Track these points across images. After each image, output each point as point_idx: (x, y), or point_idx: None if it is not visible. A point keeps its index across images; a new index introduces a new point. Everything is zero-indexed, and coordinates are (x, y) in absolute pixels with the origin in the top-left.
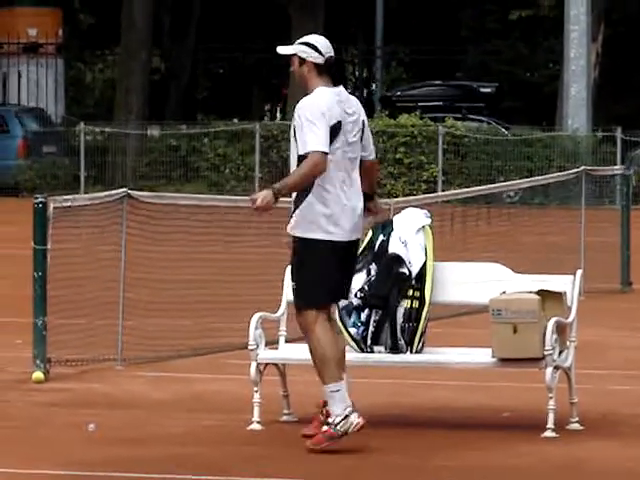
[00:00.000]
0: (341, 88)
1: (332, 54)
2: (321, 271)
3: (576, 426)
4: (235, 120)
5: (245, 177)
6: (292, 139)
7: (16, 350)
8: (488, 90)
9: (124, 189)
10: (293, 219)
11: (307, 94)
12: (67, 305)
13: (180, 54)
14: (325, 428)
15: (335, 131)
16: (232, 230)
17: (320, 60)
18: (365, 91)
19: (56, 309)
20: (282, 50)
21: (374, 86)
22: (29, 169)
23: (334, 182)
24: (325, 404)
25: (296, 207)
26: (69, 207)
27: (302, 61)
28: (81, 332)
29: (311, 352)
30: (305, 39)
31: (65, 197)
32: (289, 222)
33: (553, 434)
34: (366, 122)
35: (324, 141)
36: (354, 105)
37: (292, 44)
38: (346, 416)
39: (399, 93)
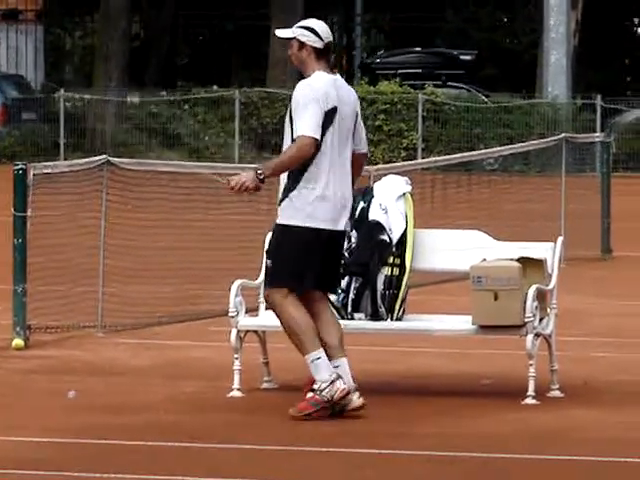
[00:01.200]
0: (338, 76)
1: (331, 39)
2: (302, 258)
3: (557, 393)
4: (215, 87)
5: (225, 144)
6: (286, 123)
7: None
8: (468, 57)
9: (104, 156)
10: (281, 207)
11: (304, 77)
12: (47, 272)
13: (159, 20)
14: (310, 395)
15: (330, 116)
16: (212, 197)
17: (319, 44)
18: (345, 58)
19: (36, 276)
20: (281, 33)
21: (354, 53)
22: (9, 136)
23: (325, 169)
24: (308, 387)
25: (284, 195)
26: (49, 174)
27: (301, 45)
28: (61, 299)
29: (284, 327)
30: (304, 23)
31: (45, 164)
32: (278, 210)
33: (534, 401)
34: (359, 113)
35: (314, 126)
36: (350, 94)
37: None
38: (332, 382)
39: (379, 60)
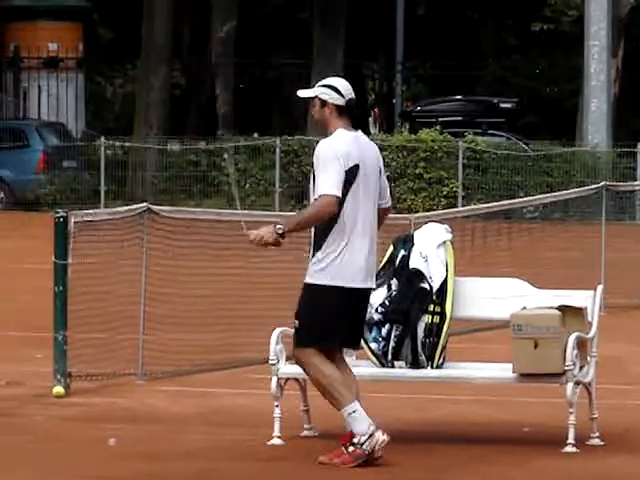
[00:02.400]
0: (360, 132)
1: (353, 96)
2: (328, 318)
3: (596, 441)
4: (256, 135)
5: (265, 192)
6: (310, 180)
7: (37, 364)
8: (508, 105)
9: (145, 203)
10: (310, 266)
11: (327, 135)
12: (88, 319)
13: (200, 68)
14: (351, 449)
15: (352, 174)
16: (252, 245)
17: (341, 102)
18: (386, 106)
19: (77, 323)
20: (303, 93)
21: (394, 101)
22: (49, 183)
23: (350, 227)
24: (346, 440)
25: (312, 254)
26: (90, 221)
27: (323, 103)
28: (102, 346)
29: (316, 386)
30: (325, 81)
31: (86, 212)
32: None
33: (573, 449)
34: (382, 169)
35: (336, 185)
36: (373, 150)
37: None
38: (371, 435)
39: (419, 108)
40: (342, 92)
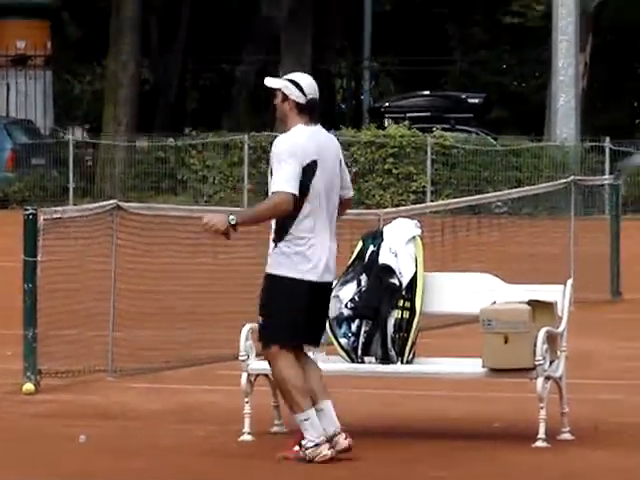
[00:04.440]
0: (319, 126)
1: (316, 96)
2: (289, 311)
3: (567, 436)
4: (225, 131)
5: (234, 188)
6: (269, 177)
7: (6, 362)
8: (476, 100)
9: (114, 200)
10: (270, 257)
11: (285, 131)
12: (57, 316)
13: (168, 65)
14: (296, 448)
15: (311, 170)
16: (221, 241)
17: (302, 100)
18: (354, 102)
19: (46, 320)
20: (269, 82)
21: (362, 97)
22: (18, 181)
23: (311, 221)
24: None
25: (273, 245)
26: (59, 218)
27: (285, 98)
28: (72, 343)
29: (276, 382)
30: (292, 76)
31: (55, 209)
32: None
33: (544, 444)
34: (342, 160)
35: (292, 182)
36: (332, 144)
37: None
38: (317, 444)
39: (387, 104)
40: (305, 90)
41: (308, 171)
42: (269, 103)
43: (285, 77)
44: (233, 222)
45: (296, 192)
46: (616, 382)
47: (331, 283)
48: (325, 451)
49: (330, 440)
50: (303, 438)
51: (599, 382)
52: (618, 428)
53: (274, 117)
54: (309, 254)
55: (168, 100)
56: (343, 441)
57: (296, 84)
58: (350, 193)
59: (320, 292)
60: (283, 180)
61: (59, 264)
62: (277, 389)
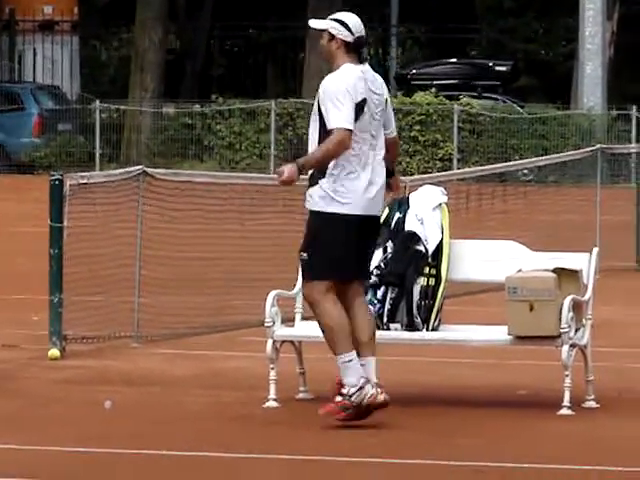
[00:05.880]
0: (367, 66)
1: (362, 34)
2: (334, 246)
3: (592, 404)
4: (250, 98)
5: (260, 155)
6: (313, 115)
7: (32, 327)
8: (503, 68)
9: (140, 166)
10: (310, 193)
11: (332, 70)
12: (83, 282)
13: (195, 32)
14: (339, 399)
15: (360, 108)
16: (248, 207)
17: (350, 38)
18: (380, 70)
19: (72, 286)
20: (314, 24)
21: (389, 64)
22: (45, 146)
23: (355, 158)
24: (340, 383)
25: (314, 182)
26: (85, 184)
27: (331, 37)
28: (97, 309)
29: (319, 324)
30: (338, 16)
31: (81, 174)
32: (306, 197)
33: (569, 412)
34: (389, 100)
35: (349, 118)
36: (379, 83)
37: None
38: (360, 387)
39: (414, 71)
40: (352, 29)
41: (357, 109)
42: (295, 69)
43: (330, 17)
44: (303, 170)
45: (353, 128)
46: None
47: (378, 217)
48: (371, 390)
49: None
50: (343, 387)
51: (624, 350)
52: None
53: (301, 83)
54: (352, 190)
55: (195, 66)
56: (380, 396)
57: (343, 23)
58: (394, 133)
59: (365, 226)
60: (341, 118)
61: (85, 230)
62: (321, 329)
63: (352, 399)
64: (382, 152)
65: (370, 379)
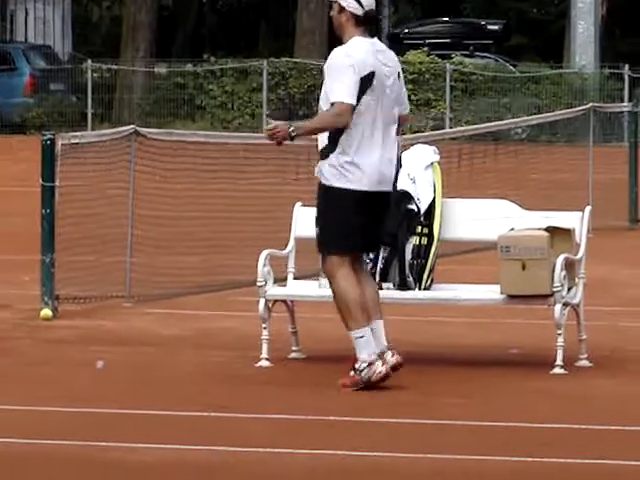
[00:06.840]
0: (376, 39)
1: (373, 7)
2: (343, 220)
3: (585, 363)
4: (243, 57)
5: (252, 114)
6: (324, 88)
7: (24, 287)
8: (495, 27)
9: (132, 126)
10: (320, 166)
11: (342, 43)
12: (75, 242)
13: None
14: (352, 373)
15: (368, 81)
16: (240, 167)
17: (359, 12)
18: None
19: (64, 246)
20: None
21: (382, 23)
22: (36, 106)
23: (365, 132)
24: (352, 362)
25: (325, 155)
26: (77, 144)
27: (342, 9)
28: (89, 269)
29: (334, 298)
30: None
31: (73, 134)
32: (317, 166)
33: (562, 371)
34: (401, 75)
35: (350, 92)
36: (390, 57)
37: None
38: (370, 364)
39: (406, 30)
40: (362, 2)
41: (364, 83)
42: (288, 29)
43: None
44: (294, 134)
45: (354, 103)
46: (634, 309)
47: (388, 193)
48: (379, 368)
49: (380, 357)
50: (356, 361)
51: (617, 309)
52: (635, 355)
53: (293, 42)
54: (361, 164)
55: (187, 25)
56: (391, 358)
57: None
58: (406, 110)
59: (375, 201)
60: (343, 91)
61: (77, 189)
62: (336, 303)
63: (362, 375)
64: (394, 127)
65: (382, 345)
